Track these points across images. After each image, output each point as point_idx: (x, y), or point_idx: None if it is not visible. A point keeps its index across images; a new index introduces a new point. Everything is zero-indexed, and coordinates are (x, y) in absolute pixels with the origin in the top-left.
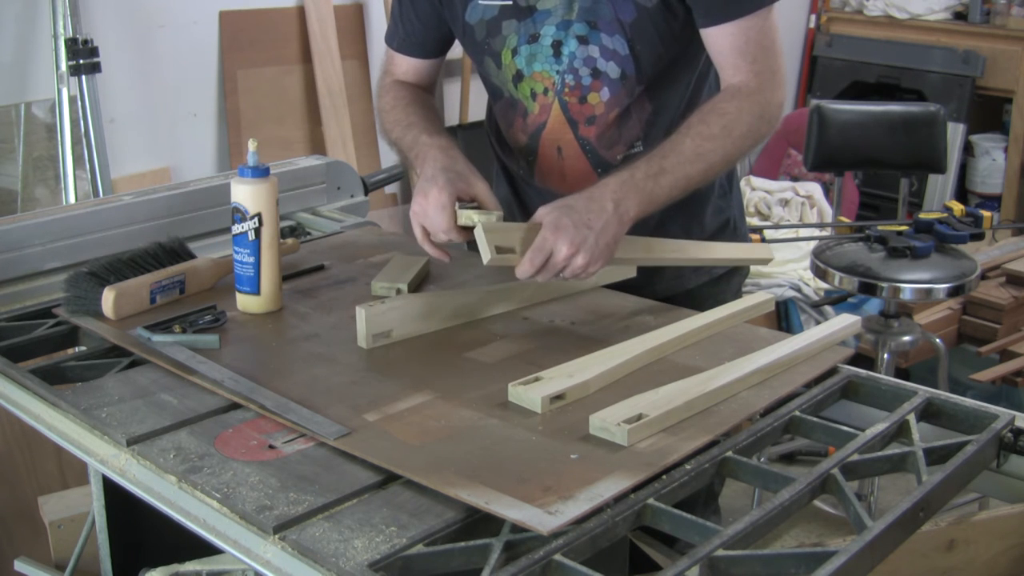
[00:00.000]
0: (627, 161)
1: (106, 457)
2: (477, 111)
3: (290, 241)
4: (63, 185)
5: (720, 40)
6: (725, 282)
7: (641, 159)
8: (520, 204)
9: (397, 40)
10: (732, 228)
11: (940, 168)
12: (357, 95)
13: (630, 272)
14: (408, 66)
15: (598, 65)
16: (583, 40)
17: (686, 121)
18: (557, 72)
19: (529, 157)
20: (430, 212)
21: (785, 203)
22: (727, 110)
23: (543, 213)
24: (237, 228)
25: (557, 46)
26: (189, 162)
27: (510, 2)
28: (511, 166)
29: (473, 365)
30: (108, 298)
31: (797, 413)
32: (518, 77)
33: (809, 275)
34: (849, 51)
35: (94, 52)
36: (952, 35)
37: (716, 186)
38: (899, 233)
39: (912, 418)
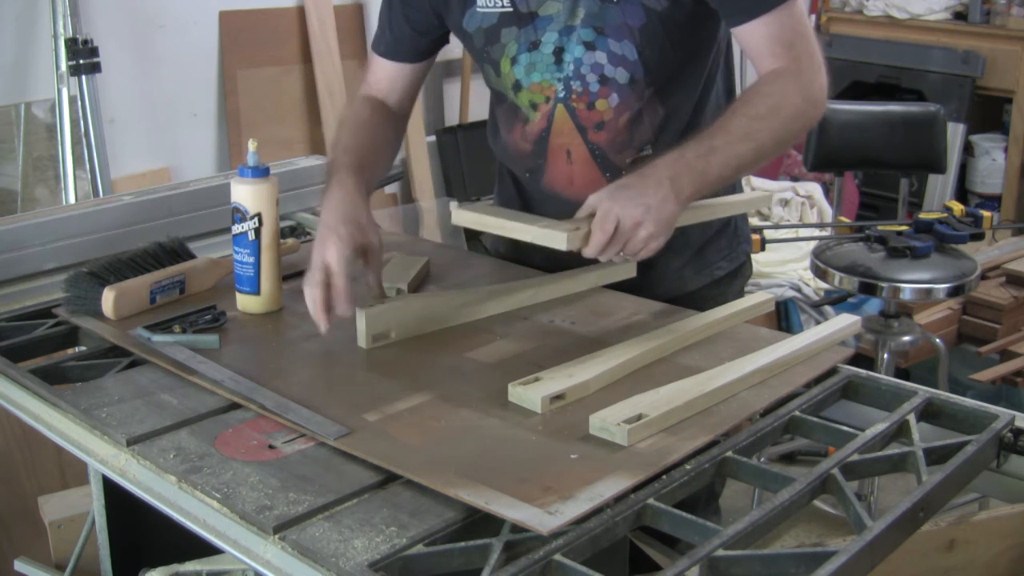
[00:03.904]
0: (636, 165)
1: (106, 457)
2: (477, 111)
3: (290, 241)
4: (63, 185)
5: (754, 34)
6: (727, 284)
7: (690, 140)
8: (525, 207)
9: (384, 45)
10: (733, 229)
11: (940, 168)
12: None
13: (630, 272)
14: (391, 72)
15: (605, 72)
16: (590, 46)
17: (731, 105)
18: (559, 79)
19: (539, 160)
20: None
21: (785, 203)
22: (772, 91)
23: (598, 195)
24: (237, 228)
25: (559, 53)
26: (189, 162)
27: (510, 9)
28: (515, 171)
29: (473, 365)
30: (108, 298)
31: (797, 413)
32: (516, 87)
33: (809, 275)
34: (849, 51)
35: (94, 52)
36: (952, 35)
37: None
38: (899, 233)
39: (912, 418)
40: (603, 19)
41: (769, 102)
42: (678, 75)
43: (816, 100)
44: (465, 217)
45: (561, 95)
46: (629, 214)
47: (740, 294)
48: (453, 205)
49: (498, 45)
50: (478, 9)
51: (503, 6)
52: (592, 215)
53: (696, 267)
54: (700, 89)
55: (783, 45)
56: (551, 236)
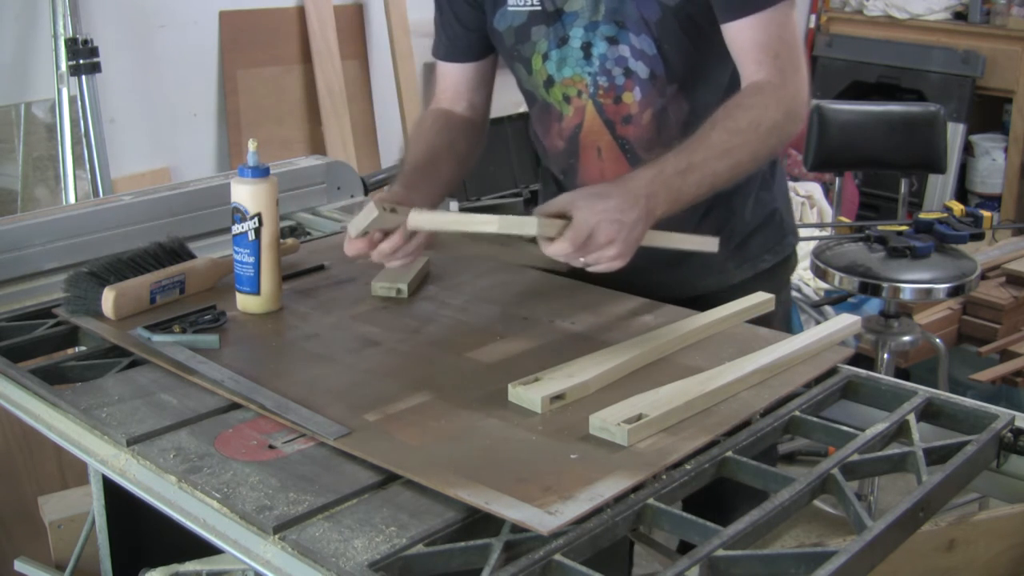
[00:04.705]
0: None
1: (106, 457)
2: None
3: (290, 241)
4: (63, 185)
5: (741, 35)
6: (770, 276)
7: (669, 153)
8: None
9: (442, 48)
10: (778, 221)
11: (940, 168)
12: (357, 95)
13: (712, 246)
14: (455, 75)
15: (629, 65)
16: (613, 40)
17: (711, 117)
18: (589, 74)
19: (571, 160)
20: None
21: None
22: (754, 104)
23: (573, 197)
24: (237, 228)
25: (587, 48)
26: (189, 162)
27: (539, 7)
28: (553, 170)
29: (473, 365)
30: (108, 298)
31: (797, 413)
32: (549, 83)
33: (809, 275)
34: (849, 51)
35: (94, 52)
36: (952, 35)
37: (759, 178)
38: (899, 233)
39: (912, 418)
40: (623, 13)
41: (749, 116)
42: (701, 71)
43: (796, 115)
44: (422, 219)
45: (591, 91)
46: (604, 230)
47: (785, 286)
48: (413, 211)
49: (528, 43)
50: (509, 8)
51: (532, 5)
52: (560, 214)
53: (738, 260)
54: (726, 86)
55: (768, 53)
56: (520, 223)
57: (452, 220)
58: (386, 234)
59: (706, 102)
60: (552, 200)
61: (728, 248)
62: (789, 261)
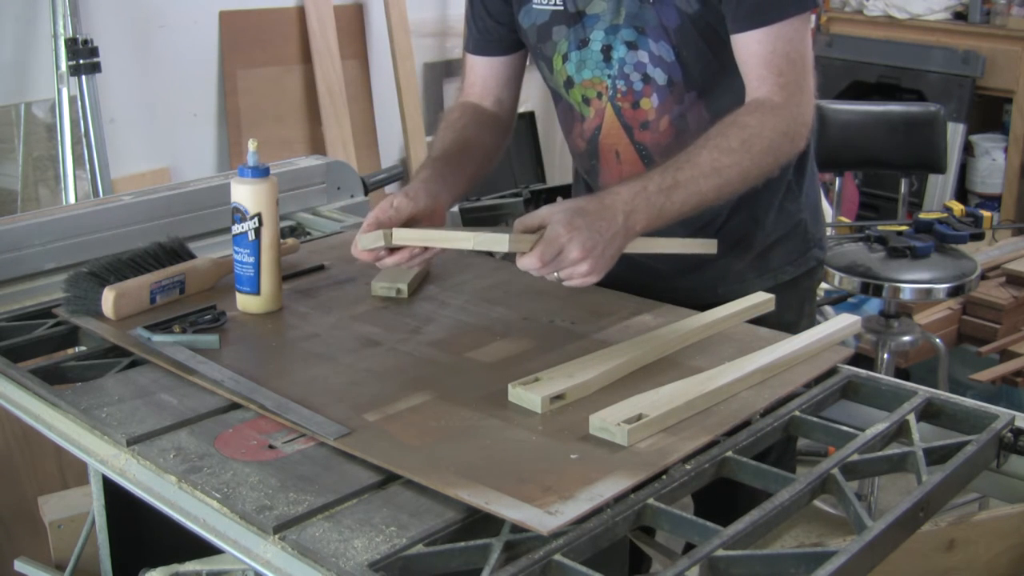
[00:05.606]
0: None
1: (106, 457)
2: None
3: (290, 241)
4: (63, 185)
5: (747, 48)
6: (791, 287)
7: (655, 169)
8: None
9: (472, 42)
10: (802, 232)
11: (940, 168)
12: (357, 95)
13: (710, 248)
14: (483, 70)
15: (648, 71)
16: (632, 46)
17: (705, 133)
18: (608, 76)
19: (592, 161)
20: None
21: None
22: (748, 123)
23: (551, 211)
24: (237, 228)
25: (607, 51)
26: (189, 162)
27: (561, 7)
28: (579, 169)
29: (473, 365)
30: (108, 298)
31: (797, 413)
32: (568, 83)
33: None
34: (849, 51)
35: (94, 52)
36: (952, 35)
37: (783, 187)
38: (899, 233)
39: (912, 418)
40: (643, 19)
41: (743, 135)
42: (721, 79)
43: (794, 136)
44: (405, 235)
45: (610, 94)
46: (576, 246)
47: (808, 299)
48: (395, 229)
49: (550, 43)
50: (533, 6)
51: (555, 4)
52: (539, 228)
53: (758, 270)
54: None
55: (772, 70)
56: (494, 240)
57: (433, 237)
58: (392, 249)
59: (726, 110)
60: (532, 213)
61: (748, 258)
62: (814, 273)
